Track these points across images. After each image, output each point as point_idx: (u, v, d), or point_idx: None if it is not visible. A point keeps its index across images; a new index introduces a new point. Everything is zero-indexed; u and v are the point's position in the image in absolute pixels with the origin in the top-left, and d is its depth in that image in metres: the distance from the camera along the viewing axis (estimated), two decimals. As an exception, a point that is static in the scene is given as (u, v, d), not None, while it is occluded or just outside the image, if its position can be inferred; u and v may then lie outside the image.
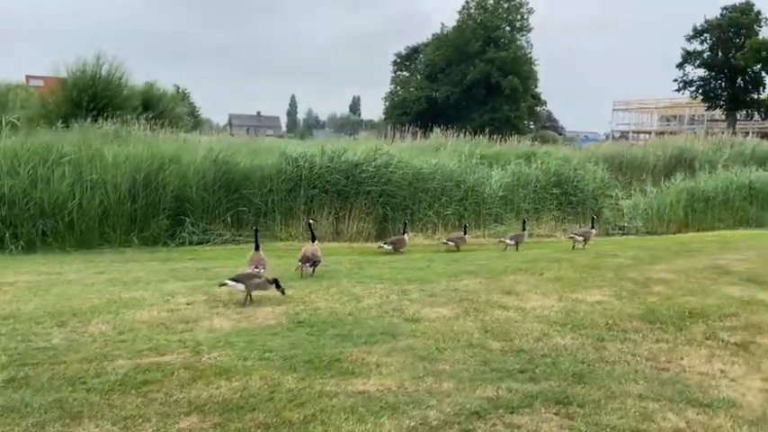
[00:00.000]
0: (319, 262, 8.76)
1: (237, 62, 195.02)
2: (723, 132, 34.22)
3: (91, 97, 29.16)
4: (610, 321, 6.37)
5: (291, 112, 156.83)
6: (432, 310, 6.70)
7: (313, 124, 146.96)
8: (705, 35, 54.19)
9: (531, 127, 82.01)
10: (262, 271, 8.28)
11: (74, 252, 10.99)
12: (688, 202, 17.17)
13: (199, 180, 12.35)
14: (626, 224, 17.13)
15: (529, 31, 75.12)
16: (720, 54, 52.92)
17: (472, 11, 75.09)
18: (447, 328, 6.01)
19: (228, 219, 12.63)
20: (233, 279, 6.99)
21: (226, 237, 12.42)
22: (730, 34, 52.68)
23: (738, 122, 53.21)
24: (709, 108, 55.81)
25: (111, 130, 18.48)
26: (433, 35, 77.60)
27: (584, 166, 17.44)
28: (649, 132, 64.70)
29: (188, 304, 6.78)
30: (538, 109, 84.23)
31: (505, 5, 74.61)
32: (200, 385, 4.43)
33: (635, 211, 17.27)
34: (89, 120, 20.88)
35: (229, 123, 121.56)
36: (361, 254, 11.50)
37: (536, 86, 77.79)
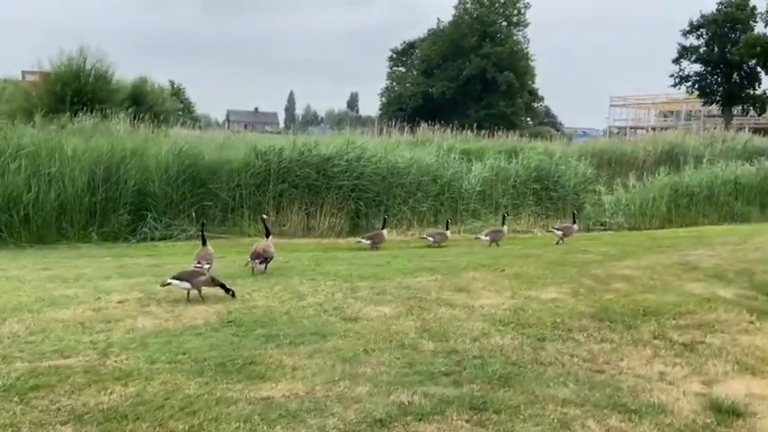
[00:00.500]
0: (271, 258, 8.45)
1: (236, 58, 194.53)
2: (715, 127, 33.92)
3: (75, 91, 28.83)
4: (558, 320, 6.06)
5: (290, 109, 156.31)
6: (374, 309, 6.40)
7: (311, 120, 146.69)
8: (701, 30, 53.74)
9: (530, 123, 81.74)
10: (206, 267, 8.02)
11: (29, 248, 10.69)
12: (671, 197, 16.83)
13: (162, 174, 12.03)
14: (608, 220, 16.81)
15: (525, 26, 74.64)
16: (716, 49, 52.47)
17: (468, 5, 74.57)
18: (383, 328, 5.71)
19: (193, 214, 12.31)
20: (176, 277, 6.70)
21: (190, 232, 12.11)
22: (726, 29, 52.23)
23: (735, 118, 52.81)
24: (705, 104, 55.39)
25: (89, 124, 18.22)
26: (429, 30, 77.10)
27: (566, 161, 17.10)
28: (646, 128, 64.33)
29: (119, 302, 6.47)
30: (535, 105, 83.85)
31: (502, 0, 74.06)
32: (92, 391, 4.12)
33: (617, 207, 16.95)
34: (68, 114, 20.63)
35: (227, 119, 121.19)
36: (325, 250, 11.19)
37: (533, 82, 77.34)
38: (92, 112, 21.03)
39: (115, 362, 4.68)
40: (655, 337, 5.57)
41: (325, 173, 13.33)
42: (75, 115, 20.57)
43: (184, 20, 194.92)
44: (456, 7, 74.53)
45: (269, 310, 6.28)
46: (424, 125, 26.93)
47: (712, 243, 11.09)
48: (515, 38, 73.93)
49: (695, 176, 17.38)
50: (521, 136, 41.09)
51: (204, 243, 8.33)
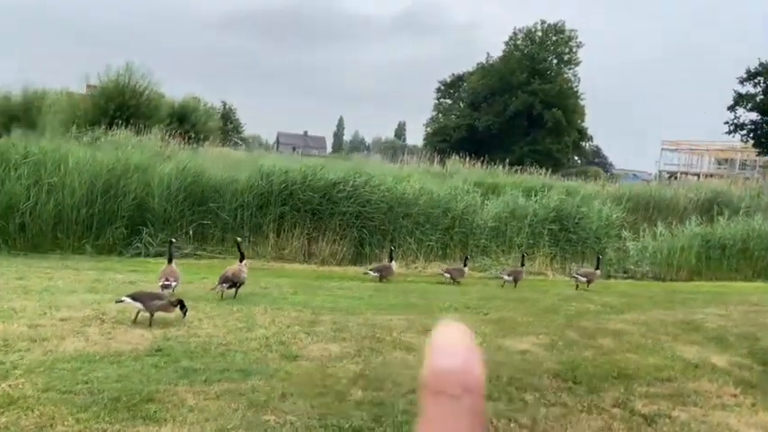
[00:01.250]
0: (242, 283, 8.13)
1: (292, 84, 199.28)
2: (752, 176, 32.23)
3: (118, 106, 29.67)
4: (518, 376, 5.50)
5: (338, 134, 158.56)
6: (322, 347, 5.96)
7: (357, 146, 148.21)
8: (758, 78, 51.74)
9: (577, 162, 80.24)
10: (174, 284, 7.77)
11: (21, 256, 10.68)
12: (702, 248, 15.80)
13: (163, 189, 11.94)
14: (632, 267, 15.89)
15: (576, 64, 73.66)
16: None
17: (519, 42, 74.29)
18: (318, 371, 5.27)
19: (191, 232, 12.15)
20: (131, 296, 6.44)
21: (186, 250, 11.94)
22: (786, 79, 50.18)
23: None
24: (759, 153, 53.08)
25: (122, 137, 18.52)
26: (478, 64, 76.99)
27: (589, 202, 16.30)
28: (699, 174, 62.09)
29: (61, 320, 6.23)
30: (584, 144, 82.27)
31: (554, 38, 73.54)
32: (-40, 417, 3.83)
33: (642, 255, 16.01)
34: (103, 127, 21.06)
35: (277, 141, 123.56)
36: (316, 278, 10.81)
37: (582, 121, 75.96)
38: (126, 126, 21.50)
39: (9, 386, 4.39)
40: (615, 405, 4.96)
41: (330, 198, 13.01)
42: (109, 128, 21.01)
43: (247, 47, 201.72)
44: (506, 43, 74.32)
45: (208, 340, 5.92)
46: (454, 157, 26.50)
47: (729, 301, 10.21)
48: (565, 76, 73.06)
49: (728, 228, 16.29)
50: (563, 175, 40.23)
51: (170, 261, 8.11)
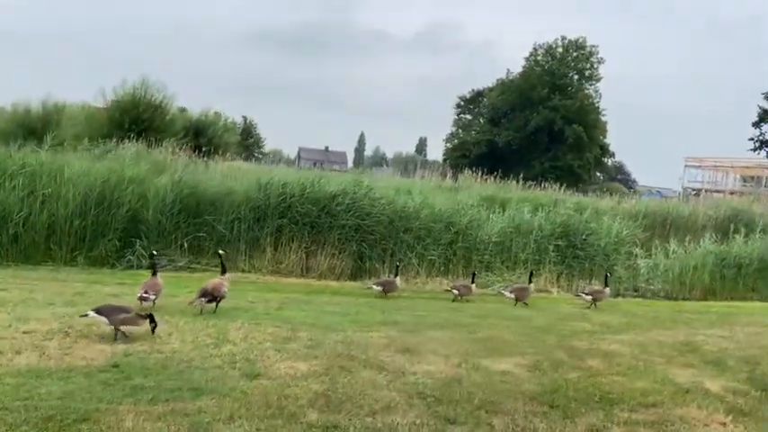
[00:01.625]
0: (222, 298, 7.91)
1: (314, 99, 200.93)
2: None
3: (132, 119, 29.95)
4: (493, 399, 5.18)
5: (359, 149, 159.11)
6: (289, 365, 5.70)
7: (378, 162, 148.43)
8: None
9: (600, 178, 79.23)
10: (152, 297, 7.60)
11: (12, 266, 10.63)
12: (716, 266, 15.22)
13: (158, 202, 11.84)
14: (642, 285, 15.38)
15: (598, 80, 73.03)
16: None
17: (539, 58, 73.92)
18: (277, 391, 5.00)
19: (185, 244, 12.01)
20: (96, 310, 6.28)
21: (180, 264, 11.80)
22: (812, 94, 49.05)
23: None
24: (785, 170, 51.80)
25: (132, 150, 18.56)
26: (498, 80, 76.68)
27: (599, 218, 15.85)
28: (724, 192, 60.74)
29: (24, 333, 6.07)
30: (606, 160, 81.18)
31: (574, 54, 73.01)
32: None
33: (654, 273, 15.49)
34: (114, 140, 21.16)
35: (298, 156, 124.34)
36: (309, 292, 10.54)
37: (604, 137, 74.97)
38: (137, 139, 21.58)
39: (-57, 401, 4.20)
40: (589, 434, 4.61)
41: (329, 210, 12.79)
42: (121, 141, 21.10)
43: (270, 62, 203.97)
44: (527, 59, 73.97)
45: (171, 356, 5.69)
46: (467, 171, 26.22)
47: (737, 322, 9.71)
48: (587, 91, 72.39)
49: (745, 247, 15.70)
50: (582, 191, 39.60)
51: (154, 273, 7.95)
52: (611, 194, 34.68)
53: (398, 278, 11.36)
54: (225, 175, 15.57)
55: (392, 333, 7.27)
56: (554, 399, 5.28)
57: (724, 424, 4.96)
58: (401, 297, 11.07)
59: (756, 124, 52.47)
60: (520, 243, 14.69)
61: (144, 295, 7.56)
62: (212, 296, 7.79)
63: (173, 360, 5.57)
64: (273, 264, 12.43)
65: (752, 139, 52.86)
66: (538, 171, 61.50)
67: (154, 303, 7.67)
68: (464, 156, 71.38)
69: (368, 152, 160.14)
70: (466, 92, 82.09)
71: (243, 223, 12.57)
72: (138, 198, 11.87)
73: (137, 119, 29.99)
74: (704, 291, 15.12)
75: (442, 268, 13.83)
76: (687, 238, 16.68)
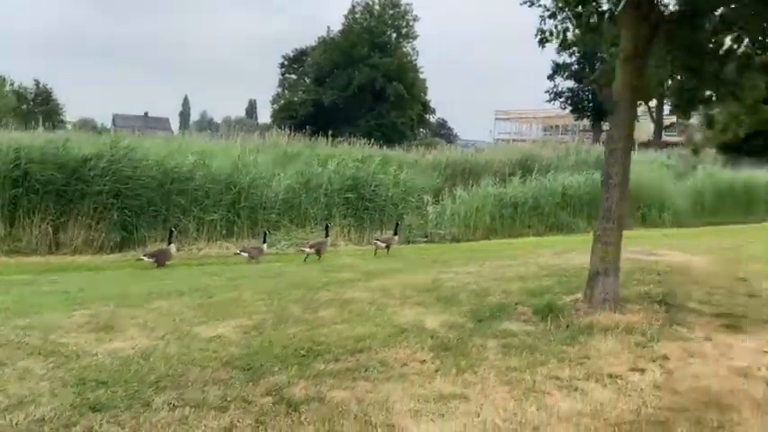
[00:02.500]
0: None
1: (131, 60, 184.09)
2: (572, 140, 34.50)
3: None
4: (173, 372, 4.53)
5: (184, 114, 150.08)
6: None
7: (206, 126, 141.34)
8: (573, 48, 55.62)
9: (424, 134, 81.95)
10: None
11: None
12: (495, 207, 16.08)
13: None
14: (432, 231, 15.80)
15: (414, 38, 74.89)
16: (587, 67, 54.39)
17: (358, 15, 73.95)
18: None
19: None
20: None
21: None
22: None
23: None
24: (577, 119, 57.37)
25: None
26: (320, 38, 75.70)
27: (386, 170, 15.91)
28: (528, 141, 65.93)
29: None
30: (428, 116, 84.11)
31: (391, 12, 74.02)
32: None
33: (441, 218, 15.98)
34: None
35: (113, 124, 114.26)
36: (42, 271, 9.18)
37: (425, 94, 77.44)
38: None
39: None
40: (268, 394, 4.17)
41: (81, 176, 11.32)
42: None
43: (79, 20, 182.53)
44: (346, 16, 73.71)
45: None
46: (272, 131, 25.32)
47: (496, 257, 10.09)
48: (404, 49, 73.97)
49: (520, 187, 16.75)
50: (407, 147, 40.42)
51: None
52: (430, 149, 35.82)
53: (173, 246, 10.43)
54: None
55: (103, 309, 6.34)
56: (252, 360, 4.79)
57: (423, 361, 4.81)
58: (173, 266, 10.09)
59: (551, 77, 57.15)
60: (310, 199, 14.29)
61: None
62: None
63: None
64: (10, 242, 10.76)
65: (547, 91, 57.60)
66: (364, 129, 61.92)
67: None
68: (291, 117, 69.90)
69: (194, 117, 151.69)
70: (290, 51, 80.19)
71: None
72: None
73: None
74: (486, 230, 15.91)
75: (225, 231, 13.03)
76: (470, 183, 17.51)
